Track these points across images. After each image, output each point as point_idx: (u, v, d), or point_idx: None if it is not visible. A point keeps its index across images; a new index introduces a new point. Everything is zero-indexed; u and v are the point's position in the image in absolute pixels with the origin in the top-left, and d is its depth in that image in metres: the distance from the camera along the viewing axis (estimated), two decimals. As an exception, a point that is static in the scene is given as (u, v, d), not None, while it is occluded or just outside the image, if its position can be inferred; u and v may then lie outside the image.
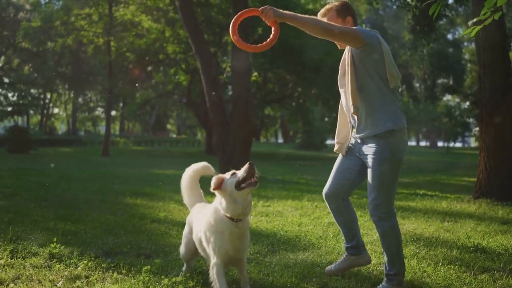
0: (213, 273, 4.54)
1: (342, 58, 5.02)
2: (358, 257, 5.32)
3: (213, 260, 4.55)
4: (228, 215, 4.44)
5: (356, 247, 5.30)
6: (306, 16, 4.64)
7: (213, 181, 4.44)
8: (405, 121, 4.85)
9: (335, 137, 5.24)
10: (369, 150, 4.85)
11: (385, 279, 4.90)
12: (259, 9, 4.57)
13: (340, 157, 5.22)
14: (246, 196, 4.39)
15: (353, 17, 5.01)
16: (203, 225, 4.67)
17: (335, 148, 5.24)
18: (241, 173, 4.39)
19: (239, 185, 4.36)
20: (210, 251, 4.59)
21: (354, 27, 4.81)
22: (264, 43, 4.70)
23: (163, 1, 29.26)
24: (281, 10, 4.56)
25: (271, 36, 4.66)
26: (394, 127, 4.73)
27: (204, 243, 4.67)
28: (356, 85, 4.79)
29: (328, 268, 5.36)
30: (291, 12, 4.60)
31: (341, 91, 5.09)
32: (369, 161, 4.84)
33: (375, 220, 4.86)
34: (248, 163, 4.38)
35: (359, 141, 5.00)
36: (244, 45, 4.75)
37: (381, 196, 4.78)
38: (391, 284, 4.82)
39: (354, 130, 5.01)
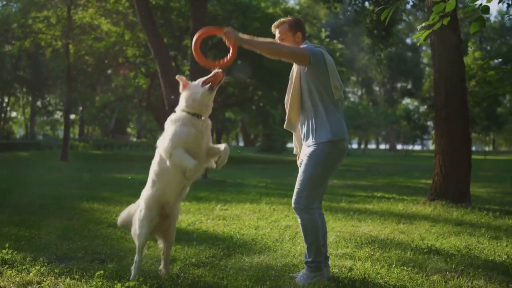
0: (171, 154, 4.90)
1: (291, 73, 5.39)
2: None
3: (167, 145, 4.91)
4: (191, 111, 4.99)
5: (324, 258, 5.40)
6: (261, 39, 5.03)
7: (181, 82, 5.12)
8: (345, 132, 5.26)
9: (293, 141, 5.71)
10: (308, 150, 5.25)
11: (305, 267, 5.25)
12: (223, 30, 4.97)
13: (300, 167, 5.48)
14: (208, 94, 4.97)
15: (302, 34, 5.42)
16: (166, 127, 5.08)
17: (294, 151, 5.72)
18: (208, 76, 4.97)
19: (204, 82, 4.97)
20: (166, 142, 4.93)
21: (303, 46, 5.22)
22: (222, 61, 5.08)
23: (123, 4, 29.04)
24: (240, 34, 4.97)
25: (230, 55, 5.09)
26: (333, 138, 5.14)
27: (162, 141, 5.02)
28: (302, 98, 5.29)
29: (293, 276, 5.41)
30: (249, 37, 4.99)
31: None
32: (305, 158, 5.24)
33: (295, 211, 5.21)
34: (218, 70, 4.98)
35: (306, 146, 5.36)
36: (204, 60, 5.17)
37: (305, 191, 5.16)
38: (310, 270, 5.17)
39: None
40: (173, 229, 5.37)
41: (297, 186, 5.20)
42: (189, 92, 5.03)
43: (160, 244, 5.45)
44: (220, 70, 4.97)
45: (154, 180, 5.13)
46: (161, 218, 5.21)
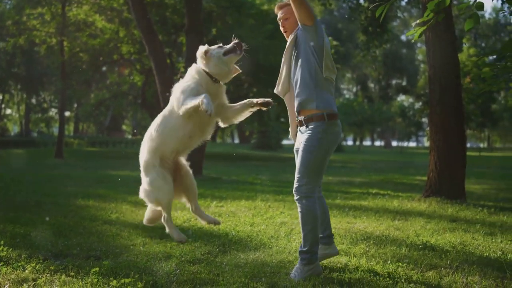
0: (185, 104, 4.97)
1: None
2: (328, 247, 5.63)
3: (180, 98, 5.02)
4: (210, 73, 5.10)
5: (328, 236, 5.64)
6: None
7: (202, 49, 5.13)
8: (335, 109, 5.29)
9: (290, 127, 5.76)
10: (303, 137, 5.32)
11: (299, 260, 5.27)
12: None
13: (296, 154, 5.56)
14: (230, 64, 5.10)
15: None
16: (187, 75, 5.21)
17: (290, 134, 5.76)
18: (228, 46, 5.11)
19: (225, 53, 5.06)
20: (180, 94, 5.06)
21: None
22: None
23: (117, 1, 28.97)
24: None
25: None
26: (319, 110, 5.20)
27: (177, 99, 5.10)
28: (294, 65, 5.36)
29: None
30: None
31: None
32: (301, 146, 5.29)
33: (296, 199, 5.30)
34: (237, 40, 5.11)
35: (300, 133, 5.42)
36: None
37: (304, 179, 5.22)
38: (303, 263, 5.19)
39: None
40: (190, 178, 5.46)
41: (296, 174, 5.26)
42: (212, 58, 5.09)
43: (184, 200, 5.53)
44: (237, 40, 5.09)
45: (157, 130, 5.28)
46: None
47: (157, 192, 5.25)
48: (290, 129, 5.75)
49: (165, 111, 5.35)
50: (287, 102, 5.65)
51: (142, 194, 5.46)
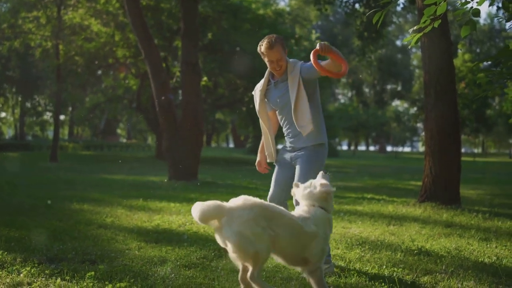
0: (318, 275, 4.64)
1: (280, 95, 5.86)
2: (327, 266, 5.59)
3: (317, 263, 4.64)
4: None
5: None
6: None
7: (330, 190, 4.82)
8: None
9: (265, 150, 6.21)
10: (300, 154, 5.76)
11: None
12: (317, 47, 5.17)
13: (276, 169, 6.07)
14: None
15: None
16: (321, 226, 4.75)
17: (269, 159, 6.19)
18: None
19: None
20: (317, 250, 4.63)
21: (300, 62, 5.78)
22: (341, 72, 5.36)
23: (113, 5, 28.95)
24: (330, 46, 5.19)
25: (343, 68, 5.31)
26: (324, 141, 5.79)
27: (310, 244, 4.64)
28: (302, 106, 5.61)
29: None
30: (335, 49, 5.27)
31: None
32: (299, 160, 5.72)
33: None
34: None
35: (289, 149, 5.94)
36: (324, 70, 5.30)
37: None
38: None
39: (288, 142, 5.96)
40: None
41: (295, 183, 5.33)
42: (330, 198, 4.87)
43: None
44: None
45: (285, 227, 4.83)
46: None
47: (259, 244, 4.52)
48: (266, 151, 6.18)
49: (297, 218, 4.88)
50: (272, 121, 6.22)
51: (236, 241, 4.56)
